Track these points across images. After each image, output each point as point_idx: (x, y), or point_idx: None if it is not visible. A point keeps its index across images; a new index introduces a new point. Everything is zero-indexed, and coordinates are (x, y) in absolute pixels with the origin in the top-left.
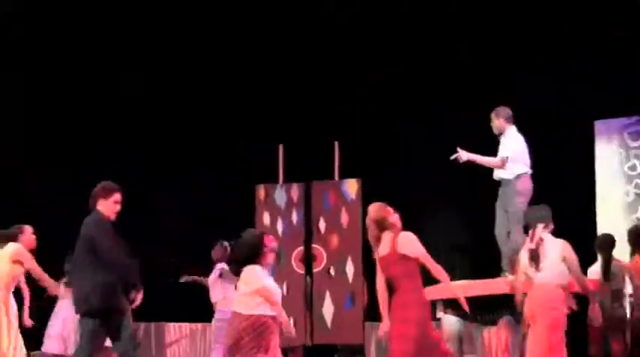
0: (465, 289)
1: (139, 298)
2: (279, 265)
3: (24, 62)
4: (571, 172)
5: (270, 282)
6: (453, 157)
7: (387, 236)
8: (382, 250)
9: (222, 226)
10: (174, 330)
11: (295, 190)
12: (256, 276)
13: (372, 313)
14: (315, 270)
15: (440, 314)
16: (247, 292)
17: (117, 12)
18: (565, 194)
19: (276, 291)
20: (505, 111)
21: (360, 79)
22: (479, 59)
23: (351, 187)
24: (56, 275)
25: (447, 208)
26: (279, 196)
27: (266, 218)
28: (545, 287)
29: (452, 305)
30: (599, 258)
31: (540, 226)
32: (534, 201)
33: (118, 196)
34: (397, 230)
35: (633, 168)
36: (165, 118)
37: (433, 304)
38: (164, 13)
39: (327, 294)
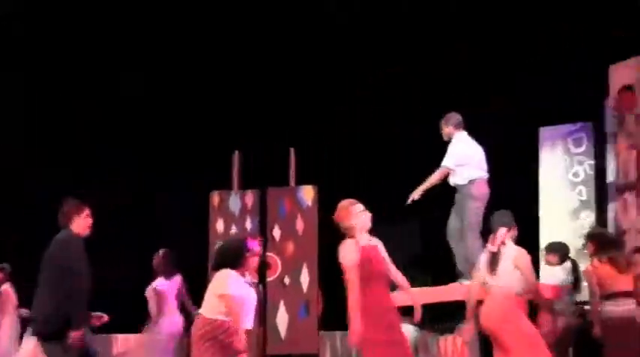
0: (421, 296)
1: (75, 336)
2: None
3: (24, 62)
4: (516, 179)
5: (240, 289)
6: (408, 203)
7: None
8: None
9: (176, 232)
10: (121, 342)
11: (250, 197)
12: (225, 281)
13: (327, 323)
14: (269, 279)
15: None
16: (214, 295)
17: (117, 12)
18: (509, 200)
19: (244, 300)
20: (455, 117)
21: (359, 80)
22: (479, 59)
23: (307, 193)
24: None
25: (406, 215)
26: (234, 202)
27: (220, 225)
28: (499, 296)
29: (408, 313)
30: (568, 264)
31: (503, 230)
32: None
33: (88, 211)
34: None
35: (577, 175)
36: (165, 118)
37: None
38: (164, 13)
39: (282, 303)
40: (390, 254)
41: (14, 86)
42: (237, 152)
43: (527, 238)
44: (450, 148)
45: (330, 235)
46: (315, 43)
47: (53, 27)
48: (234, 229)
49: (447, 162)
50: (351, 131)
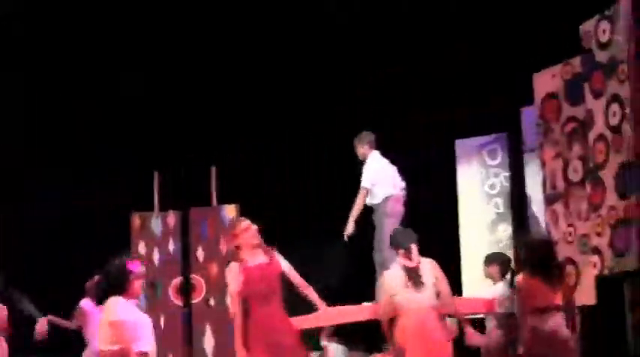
0: (332, 316)
1: None
2: (155, 296)
3: (24, 62)
4: (434, 192)
5: (131, 314)
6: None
7: None
8: None
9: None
10: None
11: (172, 218)
12: (114, 308)
13: None
14: (194, 301)
15: (324, 343)
16: (105, 325)
17: (117, 12)
18: (428, 215)
19: (137, 324)
20: (368, 137)
21: (360, 79)
22: (479, 59)
23: (230, 212)
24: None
25: (328, 233)
26: (155, 224)
27: (142, 247)
28: (423, 312)
29: (337, 333)
30: (509, 276)
31: (415, 247)
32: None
33: None
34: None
35: (493, 187)
36: (166, 118)
37: (316, 333)
38: (164, 13)
39: (208, 326)
40: (318, 273)
41: (14, 86)
42: (156, 172)
43: (448, 252)
44: (365, 169)
45: None
46: (314, 44)
47: (53, 27)
48: (156, 252)
49: (364, 183)
50: (271, 145)
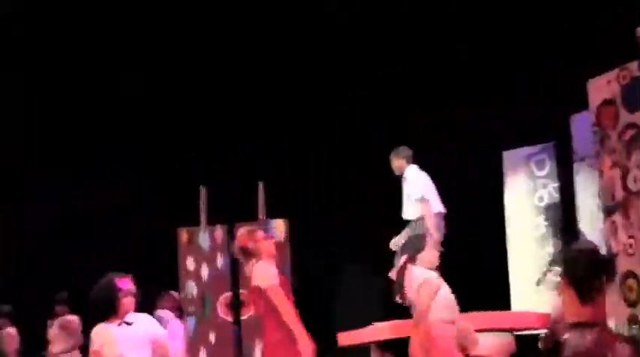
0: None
1: None
2: (204, 312)
3: (24, 62)
4: (482, 205)
5: (116, 335)
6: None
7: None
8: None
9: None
10: None
11: (219, 233)
12: (96, 333)
13: None
14: (243, 317)
15: None
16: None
17: (117, 12)
18: (476, 229)
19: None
20: (405, 151)
21: (360, 79)
22: (479, 59)
23: (278, 227)
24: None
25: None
26: (203, 239)
27: (190, 263)
28: (425, 327)
29: (389, 348)
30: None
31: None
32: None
33: None
34: (262, 258)
35: (541, 199)
36: (166, 118)
37: (367, 349)
38: (164, 12)
39: (257, 342)
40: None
41: (14, 86)
42: (203, 187)
43: (495, 264)
44: (412, 181)
45: (304, 270)
46: (314, 44)
47: (53, 27)
48: (204, 267)
49: (421, 193)
50: (321, 163)
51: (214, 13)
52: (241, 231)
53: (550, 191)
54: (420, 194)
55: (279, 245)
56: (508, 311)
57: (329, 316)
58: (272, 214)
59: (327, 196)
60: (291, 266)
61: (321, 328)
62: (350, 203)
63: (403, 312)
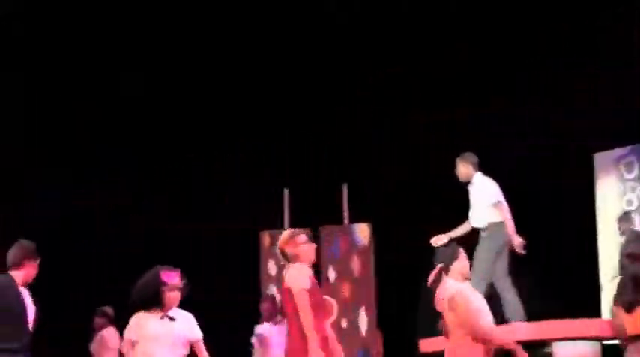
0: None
1: None
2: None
3: (24, 62)
4: (571, 208)
5: (154, 328)
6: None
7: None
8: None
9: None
10: None
11: None
12: (133, 323)
13: None
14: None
15: None
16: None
17: (117, 12)
18: (566, 233)
19: (153, 338)
20: (472, 157)
21: (360, 79)
22: (479, 59)
23: (362, 231)
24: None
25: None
26: None
27: (271, 267)
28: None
29: None
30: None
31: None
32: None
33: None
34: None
35: (630, 203)
36: (166, 118)
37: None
38: (164, 13)
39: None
40: None
41: (14, 86)
42: (287, 190)
43: (585, 270)
44: (483, 187)
45: (389, 275)
46: (314, 44)
47: (53, 27)
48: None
49: (496, 197)
50: (405, 163)
51: (214, 13)
52: (283, 234)
53: (638, 195)
54: (495, 199)
55: (363, 249)
56: (595, 319)
57: (412, 321)
58: (356, 217)
59: (410, 198)
60: (374, 270)
61: (404, 334)
62: (434, 205)
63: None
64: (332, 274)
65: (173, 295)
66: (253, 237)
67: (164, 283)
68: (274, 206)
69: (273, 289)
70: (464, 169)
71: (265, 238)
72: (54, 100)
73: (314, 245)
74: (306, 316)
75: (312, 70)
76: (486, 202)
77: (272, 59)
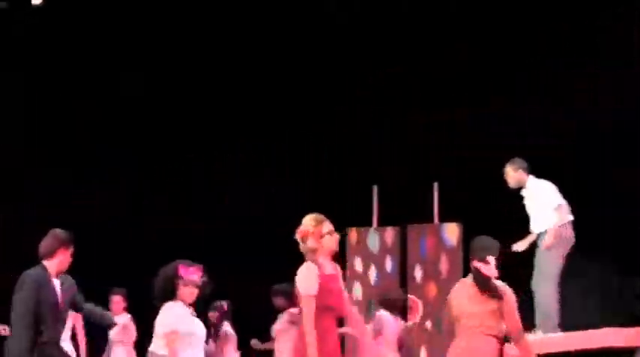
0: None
1: None
2: (369, 316)
3: (24, 62)
4: None
5: (179, 323)
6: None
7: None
8: None
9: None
10: None
11: (390, 234)
12: (164, 315)
13: None
14: (408, 323)
15: None
16: (157, 334)
17: (116, 12)
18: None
19: (184, 333)
20: (523, 162)
21: (360, 79)
22: (479, 59)
23: (452, 231)
24: None
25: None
26: (372, 240)
27: (358, 264)
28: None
29: None
30: None
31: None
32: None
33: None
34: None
35: None
36: (166, 118)
37: None
38: (164, 13)
39: (423, 350)
40: None
41: (14, 86)
42: (375, 186)
43: None
44: (542, 190)
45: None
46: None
47: (53, 27)
48: (372, 269)
49: (559, 200)
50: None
51: (214, 13)
52: (305, 222)
53: None
54: (556, 203)
55: (451, 250)
56: None
57: None
58: (446, 216)
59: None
60: (464, 274)
61: None
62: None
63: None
64: (418, 273)
65: (187, 291)
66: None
67: (179, 277)
68: (362, 203)
69: (357, 287)
70: (515, 174)
71: (352, 234)
72: (54, 100)
73: (337, 236)
74: (307, 324)
75: (312, 69)
76: (550, 205)
77: (272, 59)
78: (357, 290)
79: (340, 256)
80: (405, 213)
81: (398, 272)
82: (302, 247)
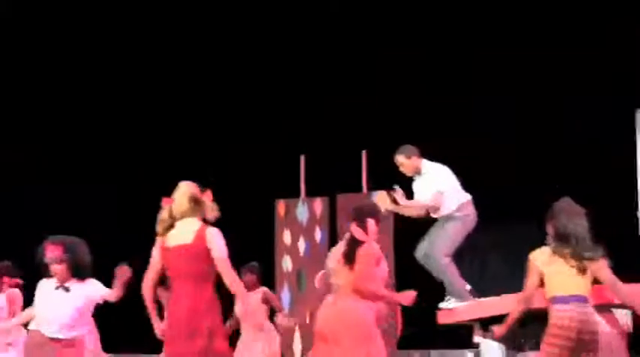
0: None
1: None
2: (300, 289)
3: (24, 62)
4: (611, 165)
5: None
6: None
7: (189, 223)
8: (178, 239)
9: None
10: None
11: (319, 205)
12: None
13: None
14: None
15: (478, 339)
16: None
17: (116, 12)
18: (602, 192)
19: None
20: (413, 148)
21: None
22: (479, 59)
23: (382, 199)
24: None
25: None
26: (301, 211)
27: (287, 236)
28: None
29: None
30: None
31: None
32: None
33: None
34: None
35: None
36: (166, 118)
37: (470, 327)
38: (164, 13)
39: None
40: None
41: (14, 86)
42: (302, 156)
43: (623, 232)
44: (442, 170)
45: (408, 245)
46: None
47: (53, 27)
48: (302, 241)
49: (454, 182)
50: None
51: (215, 13)
52: (189, 183)
53: None
54: (456, 183)
55: (382, 219)
56: None
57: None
58: (377, 185)
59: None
60: (393, 239)
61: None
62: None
63: None
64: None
65: (54, 268)
66: (268, 206)
67: (45, 256)
68: (289, 173)
69: (287, 259)
70: (408, 162)
71: (280, 206)
72: (54, 99)
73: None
74: (230, 277)
75: (312, 70)
76: (449, 187)
77: (271, 59)
78: (286, 262)
79: (268, 229)
80: (334, 183)
81: (327, 242)
82: (192, 210)
